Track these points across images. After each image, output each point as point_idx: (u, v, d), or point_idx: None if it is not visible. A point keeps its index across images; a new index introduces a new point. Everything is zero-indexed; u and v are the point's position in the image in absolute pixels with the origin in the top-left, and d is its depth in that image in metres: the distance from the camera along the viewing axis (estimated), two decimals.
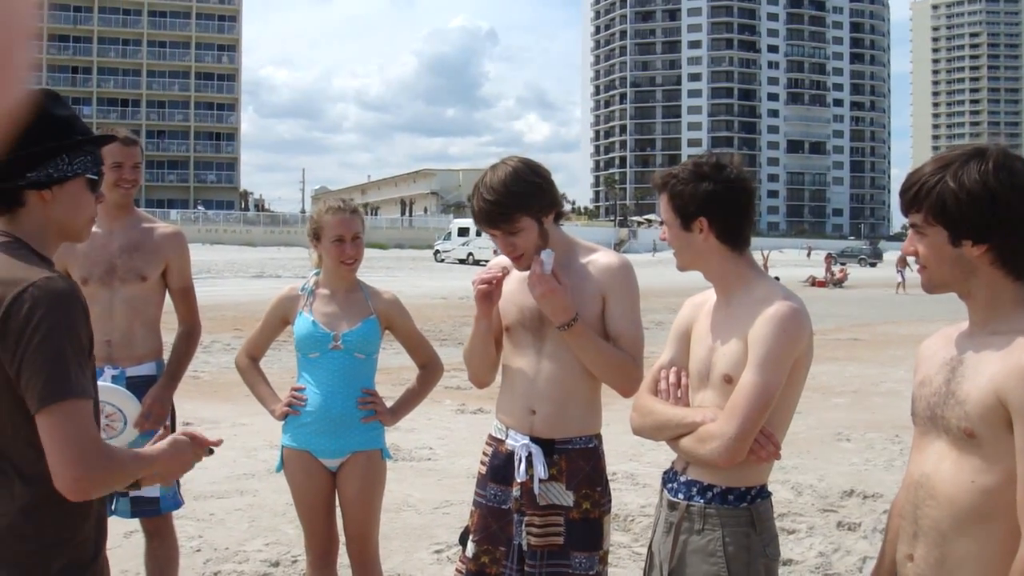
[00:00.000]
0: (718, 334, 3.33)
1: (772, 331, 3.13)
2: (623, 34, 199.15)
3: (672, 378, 3.47)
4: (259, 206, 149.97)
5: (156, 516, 5.16)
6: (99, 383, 4.61)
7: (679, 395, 3.43)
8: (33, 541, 2.57)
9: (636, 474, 9.13)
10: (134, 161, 5.05)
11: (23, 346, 2.48)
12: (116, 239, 5.07)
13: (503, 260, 4.10)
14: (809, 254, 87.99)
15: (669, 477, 3.46)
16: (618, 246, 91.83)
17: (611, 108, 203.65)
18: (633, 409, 3.56)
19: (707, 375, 3.34)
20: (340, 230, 4.66)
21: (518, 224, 3.76)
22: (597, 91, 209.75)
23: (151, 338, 5.15)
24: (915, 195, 2.60)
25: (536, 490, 3.87)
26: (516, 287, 3.93)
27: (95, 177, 2.83)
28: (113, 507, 5.02)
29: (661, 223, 3.47)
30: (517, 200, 3.74)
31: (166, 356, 5.23)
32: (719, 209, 3.28)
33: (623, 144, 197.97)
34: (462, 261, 62.89)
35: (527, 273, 3.86)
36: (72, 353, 2.53)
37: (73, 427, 2.48)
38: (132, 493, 4.93)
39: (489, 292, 3.89)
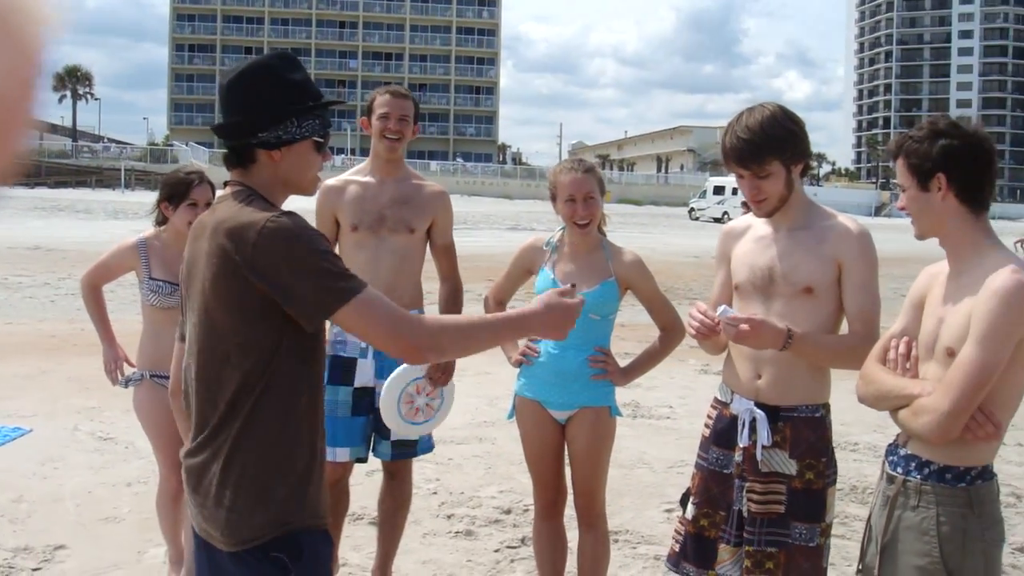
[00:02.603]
0: (946, 305, 3.23)
1: (996, 304, 3.01)
2: None
3: (902, 348, 3.39)
4: (516, 159, 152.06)
5: (408, 458, 5.41)
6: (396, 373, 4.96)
7: (907, 366, 3.35)
8: (255, 464, 2.77)
9: (879, 446, 8.87)
10: (401, 113, 5.21)
11: (285, 273, 2.67)
12: (387, 190, 5.27)
13: (737, 224, 4.11)
14: None
15: (891, 450, 3.41)
16: (879, 209, 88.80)
17: (875, 66, 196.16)
18: (859, 376, 3.51)
19: (932, 347, 3.25)
20: (572, 189, 4.67)
21: (768, 167, 3.75)
22: (861, 48, 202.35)
23: (414, 286, 5.35)
24: None
25: (759, 456, 3.86)
26: (750, 247, 3.92)
27: (321, 140, 2.97)
28: (373, 449, 5.29)
29: (901, 189, 3.38)
30: (771, 142, 3.73)
31: (425, 305, 5.43)
32: (957, 165, 3.18)
33: (887, 104, 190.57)
34: (717, 220, 61.93)
35: (760, 233, 3.87)
36: (330, 263, 2.73)
37: (370, 311, 2.70)
38: (394, 438, 5.19)
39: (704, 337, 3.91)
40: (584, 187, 4.69)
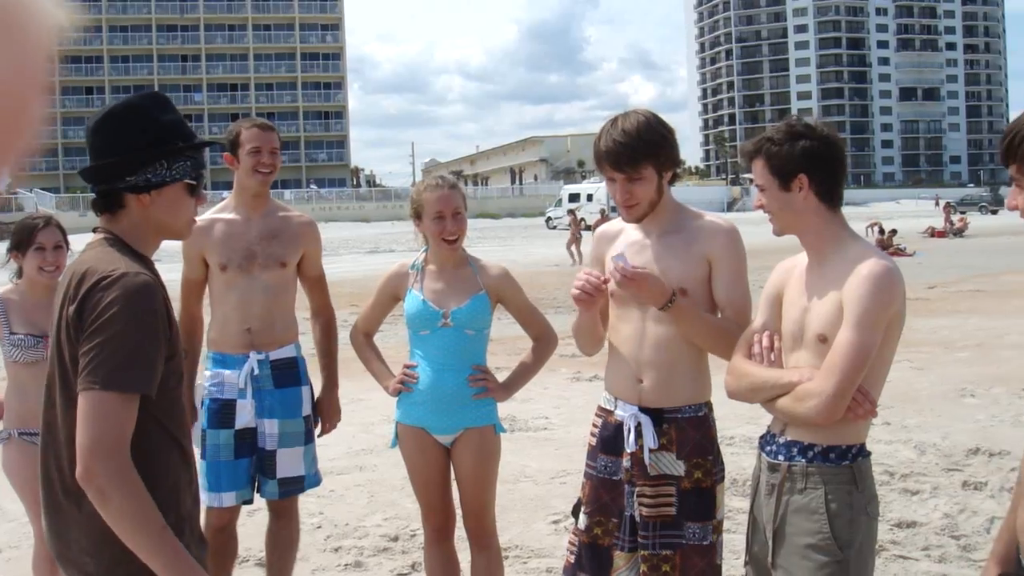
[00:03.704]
0: (811, 295, 3.34)
1: (868, 290, 3.15)
2: None
3: (765, 341, 3.50)
4: (371, 182, 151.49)
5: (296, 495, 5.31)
6: None
7: (772, 358, 3.46)
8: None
9: (754, 438, 8.96)
10: (272, 146, 5.12)
11: (90, 332, 2.54)
12: (255, 226, 5.14)
13: (609, 228, 4.13)
14: (937, 203, 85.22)
15: (767, 440, 3.50)
16: (731, 204, 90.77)
17: (717, 65, 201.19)
18: (728, 373, 3.59)
19: (800, 336, 3.36)
20: (440, 206, 4.65)
21: (642, 171, 3.78)
22: (702, 48, 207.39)
23: (289, 322, 5.24)
24: (1008, 145, 2.53)
25: (646, 460, 3.87)
26: (623, 251, 3.92)
27: (194, 182, 2.87)
28: (259, 489, 5.18)
29: (753, 185, 3.47)
30: (646, 147, 3.77)
31: (301, 338, 5.34)
32: (818, 166, 3.31)
33: (731, 101, 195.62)
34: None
35: (633, 238, 3.89)
36: (137, 346, 2.57)
37: (101, 417, 2.50)
38: (281, 476, 5.07)
39: (588, 300, 3.90)
40: (452, 203, 4.67)
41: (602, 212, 43.25)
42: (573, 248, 34.87)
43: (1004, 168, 2.61)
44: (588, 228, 39.02)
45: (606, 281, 3.85)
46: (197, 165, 2.89)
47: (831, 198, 3.35)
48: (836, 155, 3.36)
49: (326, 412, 5.37)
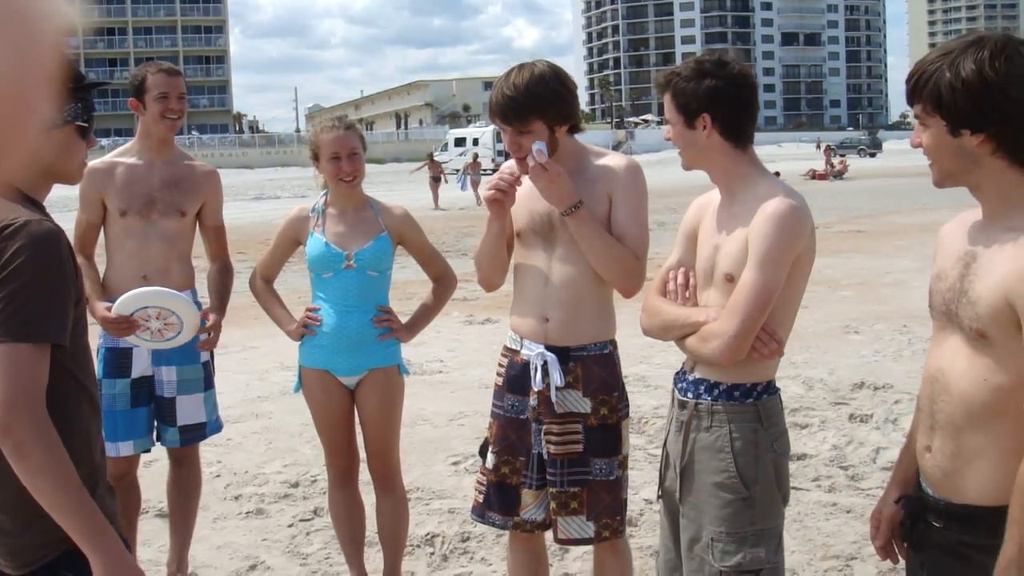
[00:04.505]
0: (721, 233, 3.34)
1: (771, 229, 3.14)
2: None
3: (680, 279, 3.49)
4: (253, 128, 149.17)
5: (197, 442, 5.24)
6: (158, 289, 4.70)
7: (687, 295, 3.46)
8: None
9: (647, 376, 9.19)
10: (179, 91, 4.99)
11: None
12: (157, 172, 5.01)
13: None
14: (819, 146, 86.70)
15: (680, 377, 3.50)
16: (616, 147, 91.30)
17: (602, 9, 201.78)
18: (642, 310, 3.59)
19: (711, 274, 3.36)
20: (336, 147, 4.62)
21: (530, 126, 3.77)
22: None
23: (185, 269, 5.14)
24: (915, 85, 2.59)
25: (553, 398, 3.90)
26: (527, 191, 3.91)
27: (84, 124, 2.79)
28: (157, 437, 5.09)
29: (662, 122, 3.48)
30: (535, 103, 3.75)
31: (197, 286, 5.24)
32: (722, 105, 3.28)
33: (616, 45, 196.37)
34: (458, 171, 62.50)
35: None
36: (47, 295, 2.50)
37: (15, 369, 2.43)
38: (181, 423, 4.99)
39: (501, 198, 3.89)
40: (348, 143, 4.64)
41: (474, 156, 43.84)
42: (434, 191, 36.37)
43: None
44: (485, 172, 39.43)
45: (519, 178, 3.84)
46: (87, 107, 2.80)
47: (737, 137, 3.33)
48: (743, 95, 3.34)
49: (212, 327, 5.04)
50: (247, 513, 6.28)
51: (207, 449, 7.16)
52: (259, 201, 40.08)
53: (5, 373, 2.42)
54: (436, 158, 42.19)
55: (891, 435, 7.30)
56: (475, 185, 37.45)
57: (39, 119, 0.84)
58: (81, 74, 2.83)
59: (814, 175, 49.13)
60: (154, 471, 6.31)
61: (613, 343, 4.02)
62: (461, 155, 64.59)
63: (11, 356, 2.43)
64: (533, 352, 3.94)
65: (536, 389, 3.93)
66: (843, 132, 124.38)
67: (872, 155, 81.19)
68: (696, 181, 3.37)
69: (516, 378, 4.02)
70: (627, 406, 4.05)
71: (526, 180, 3.91)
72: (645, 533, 5.72)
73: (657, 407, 8.05)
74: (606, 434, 3.94)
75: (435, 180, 36.91)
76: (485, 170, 41.30)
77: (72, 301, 2.60)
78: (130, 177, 4.95)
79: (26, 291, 2.46)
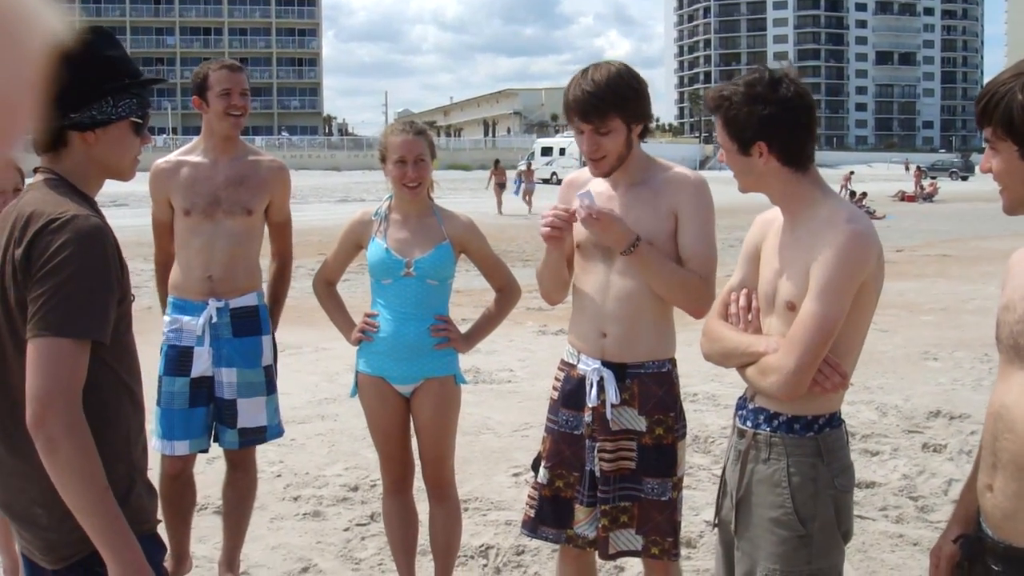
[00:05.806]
0: (783, 258, 3.18)
1: (833, 257, 2.97)
2: None
3: (742, 301, 3.34)
4: (343, 131, 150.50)
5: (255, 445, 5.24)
6: None
7: (749, 319, 3.31)
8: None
9: (717, 395, 9.05)
10: (242, 88, 4.97)
11: (40, 276, 2.46)
12: (222, 171, 4.98)
13: (578, 176, 4.06)
14: (907, 168, 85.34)
15: (740, 404, 3.36)
16: (703, 163, 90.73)
17: (695, 22, 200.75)
18: (703, 334, 3.46)
19: (772, 300, 3.21)
20: (403, 151, 4.56)
21: (610, 123, 3.70)
22: (680, 4, 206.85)
23: (252, 270, 5.11)
24: (984, 107, 2.45)
25: (608, 415, 3.83)
26: (590, 191, 3.85)
27: (140, 120, 2.78)
28: (215, 439, 5.12)
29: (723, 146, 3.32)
30: (616, 99, 3.69)
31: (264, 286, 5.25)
32: (778, 132, 3.08)
33: (707, 59, 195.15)
34: (546, 181, 62.51)
35: (599, 188, 3.86)
36: (89, 291, 2.49)
37: (54, 364, 2.42)
38: (242, 426, 5.00)
39: (559, 236, 3.84)
40: (415, 149, 4.58)
41: (528, 165, 44.24)
42: (499, 197, 37.20)
43: (976, 135, 2.55)
44: (559, 182, 39.45)
45: (574, 214, 3.77)
46: (143, 103, 2.79)
47: (796, 161, 3.13)
48: (800, 119, 3.12)
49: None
50: (304, 515, 6.28)
51: (270, 449, 7.20)
52: (344, 203, 40.33)
53: (44, 367, 2.42)
54: (531, 167, 42.94)
55: (965, 467, 7.08)
56: (527, 194, 38.39)
57: (22, 127, 0.83)
58: (137, 70, 2.81)
59: (903, 197, 48.38)
60: (216, 468, 6.33)
61: (672, 362, 3.93)
62: (548, 164, 64.91)
63: (51, 350, 2.43)
64: (589, 367, 3.88)
65: (591, 405, 3.87)
66: (935, 154, 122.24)
67: (964, 178, 79.63)
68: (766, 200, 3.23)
69: (572, 393, 3.96)
70: (684, 427, 3.96)
71: (587, 175, 3.87)
72: (703, 555, 5.61)
73: (725, 427, 7.90)
74: (660, 454, 3.87)
75: (500, 186, 37.41)
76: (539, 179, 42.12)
77: (115, 298, 2.59)
78: (194, 176, 4.95)
79: (69, 286, 2.46)
